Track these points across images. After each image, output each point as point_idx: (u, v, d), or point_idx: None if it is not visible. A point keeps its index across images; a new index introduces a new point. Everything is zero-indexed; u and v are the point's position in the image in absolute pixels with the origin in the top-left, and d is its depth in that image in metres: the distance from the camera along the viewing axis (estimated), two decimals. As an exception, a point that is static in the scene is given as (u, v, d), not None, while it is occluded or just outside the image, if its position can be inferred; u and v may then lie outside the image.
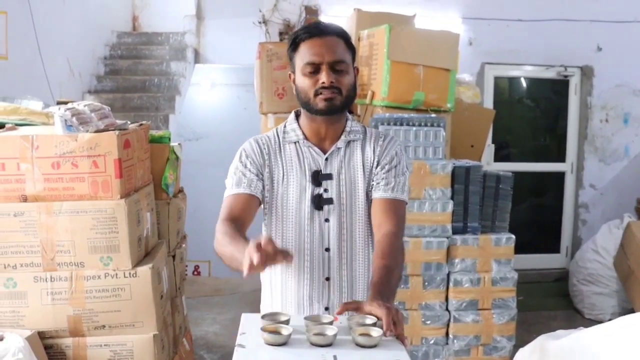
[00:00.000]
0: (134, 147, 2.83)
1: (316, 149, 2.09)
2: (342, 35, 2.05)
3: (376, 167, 2.09)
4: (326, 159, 2.08)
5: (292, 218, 2.07)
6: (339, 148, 2.10)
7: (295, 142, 2.10)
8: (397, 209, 2.06)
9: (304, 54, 2.00)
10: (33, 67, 5.06)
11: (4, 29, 4.61)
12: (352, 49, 2.07)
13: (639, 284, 5.25)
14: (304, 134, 2.10)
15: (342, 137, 2.10)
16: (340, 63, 1.99)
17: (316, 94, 1.99)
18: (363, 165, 2.10)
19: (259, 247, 1.57)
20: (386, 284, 1.85)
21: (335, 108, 2.01)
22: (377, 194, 2.07)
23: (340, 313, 1.69)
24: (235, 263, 1.75)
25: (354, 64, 2.09)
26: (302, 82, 2.01)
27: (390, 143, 2.13)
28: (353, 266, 2.11)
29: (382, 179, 2.07)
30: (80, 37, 6.22)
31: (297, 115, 2.15)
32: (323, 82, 1.96)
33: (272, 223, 2.11)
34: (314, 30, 2.02)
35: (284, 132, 2.13)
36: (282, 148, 2.10)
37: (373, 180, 2.09)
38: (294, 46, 2.04)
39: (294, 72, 2.06)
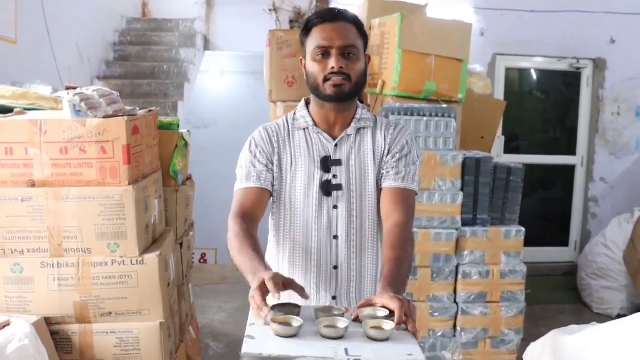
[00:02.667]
0: (143, 133, 2.81)
1: (325, 135, 2.07)
2: (355, 22, 2.03)
3: (387, 156, 2.07)
4: (335, 145, 2.06)
5: (300, 205, 2.05)
6: (349, 135, 2.08)
7: (304, 129, 2.09)
8: (406, 198, 2.04)
9: (315, 38, 1.99)
10: (42, 52, 5.04)
11: (14, 13, 4.58)
12: (364, 37, 2.06)
13: (648, 279, 5.22)
14: (313, 120, 2.08)
15: (353, 124, 2.08)
16: (350, 48, 1.97)
17: (325, 80, 1.97)
18: (374, 153, 2.08)
19: (261, 287, 1.63)
20: (396, 275, 1.83)
21: (344, 95, 1.99)
22: (387, 183, 2.05)
23: (356, 319, 1.66)
24: (241, 272, 1.82)
25: (366, 52, 2.06)
26: (312, 66, 2.00)
27: (401, 132, 2.11)
28: (362, 255, 2.09)
29: (392, 168, 2.05)
30: (90, 22, 6.20)
31: (307, 103, 2.13)
32: (332, 67, 1.95)
33: (281, 210, 2.09)
34: (327, 15, 2.02)
35: (294, 119, 2.12)
36: (291, 135, 2.09)
37: (383, 169, 2.07)
38: (306, 31, 2.03)
39: (305, 58, 2.05)
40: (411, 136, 2.13)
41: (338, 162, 2.05)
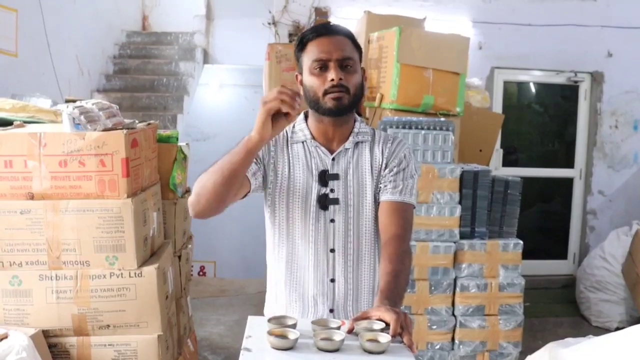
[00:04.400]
0: (142, 146, 2.82)
1: (323, 148, 2.07)
2: (349, 36, 2.05)
3: (384, 170, 2.08)
4: (333, 159, 2.07)
5: (297, 217, 2.06)
6: (346, 149, 2.08)
7: (302, 142, 2.09)
8: (404, 211, 2.04)
9: (312, 52, 1.99)
10: (42, 65, 5.07)
11: (15, 26, 4.61)
12: (359, 50, 2.07)
13: (647, 292, 5.21)
14: (311, 134, 2.09)
15: (350, 138, 2.08)
16: (348, 60, 1.98)
17: (325, 93, 1.97)
18: (371, 167, 2.08)
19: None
20: (393, 288, 1.83)
21: (343, 107, 1.99)
22: (384, 197, 2.05)
23: (351, 331, 1.66)
24: (231, 162, 1.81)
25: (361, 65, 2.08)
26: (311, 80, 1.99)
27: (399, 146, 2.11)
28: (359, 268, 2.09)
29: (390, 181, 2.06)
30: (90, 35, 6.23)
31: (306, 117, 2.14)
32: (332, 80, 1.95)
33: (276, 221, 2.09)
34: (322, 29, 2.03)
35: (292, 132, 2.11)
36: (289, 147, 2.09)
37: (381, 183, 2.07)
38: (301, 46, 2.04)
39: (301, 73, 2.05)
40: (409, 150, 2.13)
41: (335, 177, 2.06)
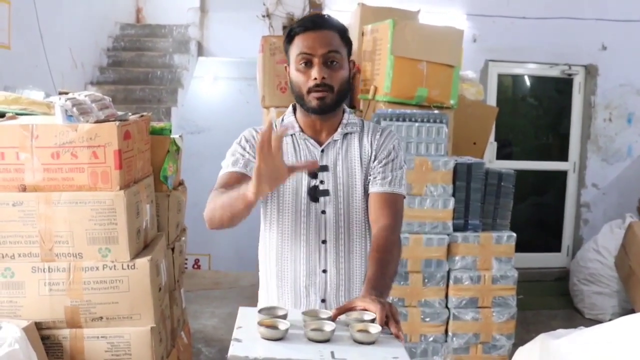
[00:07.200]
0: (135, 138, 2.82)
1: (312, 141, 2.09)
2: (338, 29, 2.03)
3: (373, 161, 2.08)
4: (322, 151, 2.08)
5: (288, 210, 2.07)
6: (335, 140, 2.09)
7: (291, 135, 2.10)
8: (394, 202, 2.05)
9: (297, 47, 1.99)
10: (36, 57, 5.05)
11: (7, 18, 4.59)
12: (348, 43, 2.06)
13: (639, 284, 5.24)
14: (300, 126, 2.09)
15: (339, 129, 2.10)
16: (333, 54, 1.97)
17: (309, 92, 1.98)
18: (361, 158, 2.09)
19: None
20: (380, 278, 1.84)
21: (327, 107, 2.00)
22: (373, 188, 2.06)
23: (335, 318, 1.66)
24: (235, 202, 1.76)
25: (350, 58, 2.07)
26: (296, 76, 2.00)
27: (388, 137, 2.12)
28: (350, 258, 2.10)
29: (379, 172, 2.07)
30: (84, 28, 6.21)
31: (295, 108, 2.14)
32: (315, 78, 1.95)
33: (269, 214, 2.10)
34: (309, 23, 2.01)
35: (281, 126, 2.12)
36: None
37: (370, 175, 2.08)
38: (289, 39, 2.03)
39: (289, 65, 2.06)
40: (398, 141, 2.14)
41: (325, 168, 2.07)
